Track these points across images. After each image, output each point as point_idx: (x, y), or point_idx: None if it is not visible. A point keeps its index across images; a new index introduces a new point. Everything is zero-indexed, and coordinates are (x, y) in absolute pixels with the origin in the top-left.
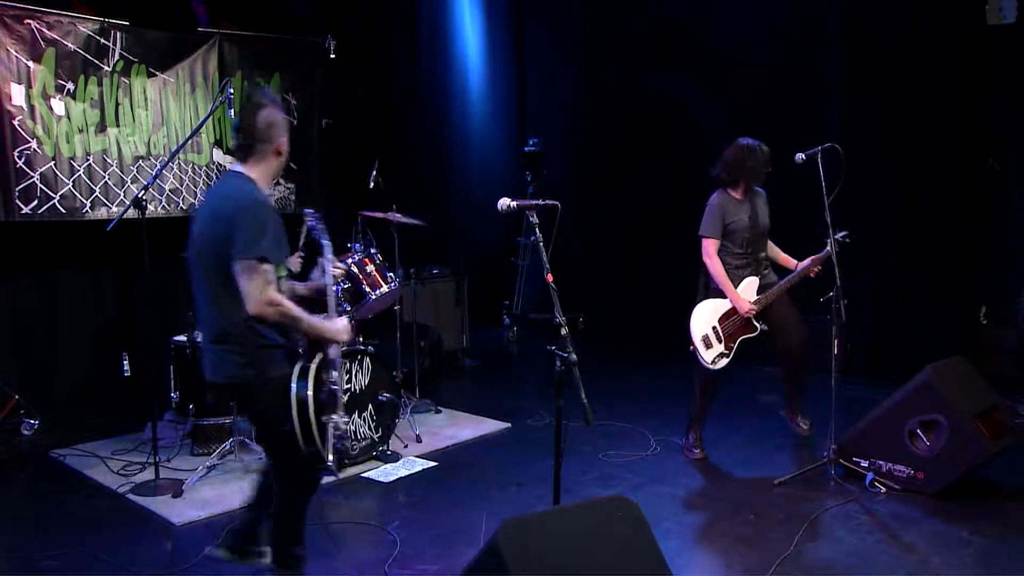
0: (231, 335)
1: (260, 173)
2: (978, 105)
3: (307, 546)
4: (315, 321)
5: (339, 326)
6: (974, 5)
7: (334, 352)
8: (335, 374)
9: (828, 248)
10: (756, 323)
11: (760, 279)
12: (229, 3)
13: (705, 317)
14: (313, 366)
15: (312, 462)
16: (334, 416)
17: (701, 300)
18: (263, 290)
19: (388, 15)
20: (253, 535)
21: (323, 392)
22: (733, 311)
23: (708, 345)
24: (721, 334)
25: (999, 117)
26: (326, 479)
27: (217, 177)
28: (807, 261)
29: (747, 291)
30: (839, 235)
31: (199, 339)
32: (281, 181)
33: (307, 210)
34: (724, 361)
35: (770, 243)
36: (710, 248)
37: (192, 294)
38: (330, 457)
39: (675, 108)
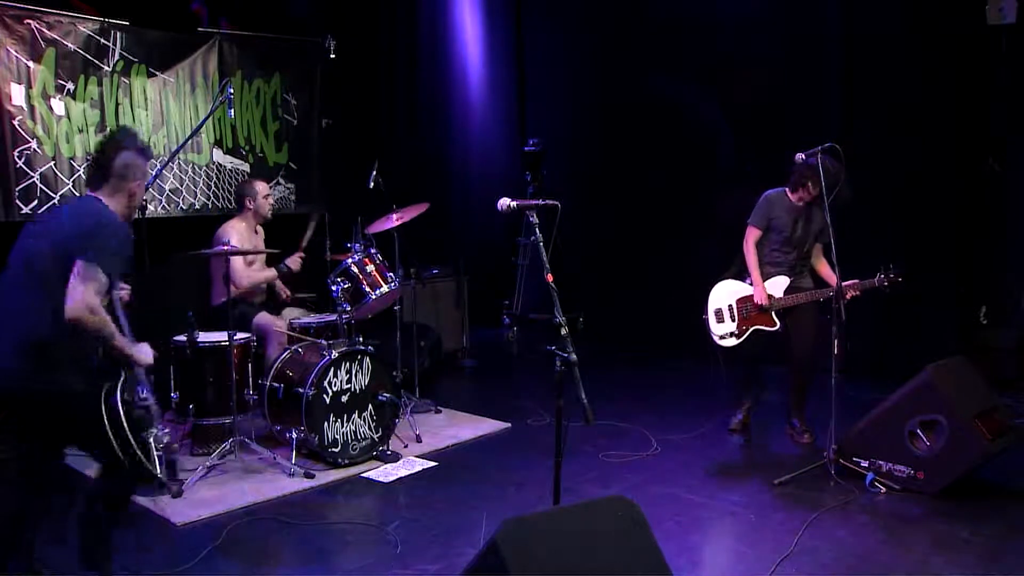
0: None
1: (113, 204)
2: (978, 105)
3: (307, 546)
4: (122, 340)
5: (143, 350)
6: (974, 5)
7: (140, 372)
8: (144, 391)
9: (876, 280)
10: (775, 318)
11: (792, 281)
12: (229, 3)
13: (725, 292)
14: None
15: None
16: (153, 431)
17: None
18: (91, 295)
19: (388, 15)
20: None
21: (137, 409)
22: (751, 296)
23: (720, 319)
24: (736, 314)
25: (999, 117)
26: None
27: (217, 177)
28: (847, 283)
29: (773, 288)
30: (892, 272)
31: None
32: (281, 181)
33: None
34: (732, 341)
35: (821, 257)
36: (749, 235)
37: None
38: (159, 470)
39: (675, 108)
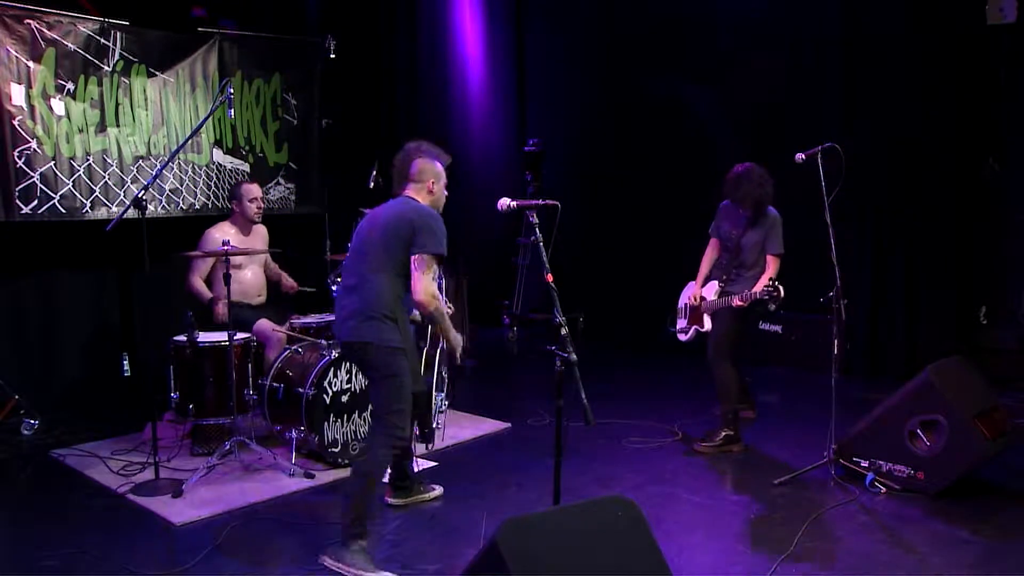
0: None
1: (423, 199)
2: (978, 105)
3: (307, 546)
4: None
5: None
6: (974, 5)
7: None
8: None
9: (759, 290)
10: (707, 320)
11: (724, 287)
12: (229, 3)
13: (686, 293)
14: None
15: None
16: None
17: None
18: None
19: (388, 15)
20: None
21: None
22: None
23: (680, 316)
24: (686, 313)
25: (999, 117)
26: None
27: (217, 177)
28: (734, 298)
29: (707, 291)
30: (765, 293)
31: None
32: (281, 181)
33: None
34: (683, 337)
35: (770, 264)
36: (709, 243)
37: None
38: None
39: (675, 108)
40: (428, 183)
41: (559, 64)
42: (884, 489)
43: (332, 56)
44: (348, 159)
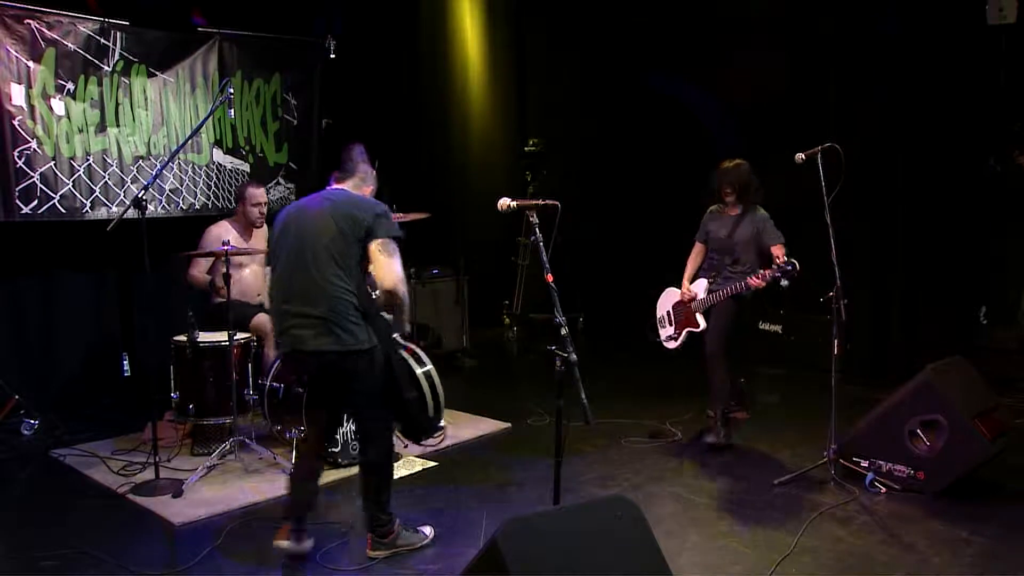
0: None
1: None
2: (978, 105)
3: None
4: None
5: None
6: (974, 5)
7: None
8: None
9: (770, 273)
10: (700, 320)
11: (712, 283)
12: (229, 3)
13: (664, 301)
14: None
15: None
16: None
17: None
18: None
19: (388, 15)
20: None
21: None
22: (682, 301)
23: (662, 325)
24: (672, 318)
25: (999, 117)
26: None
27: (217, 177)
28: (751, 278)
29: (697, 288)
30: (779, 269)
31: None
32: (281, 181)
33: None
34: (672, 344)
35: (779, 254)
36: (693, 248)
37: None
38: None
39: (675, 108)
40: (367, 190)
41: (559, 64)
42: (884, 489)
43: (332, 56)
44: None
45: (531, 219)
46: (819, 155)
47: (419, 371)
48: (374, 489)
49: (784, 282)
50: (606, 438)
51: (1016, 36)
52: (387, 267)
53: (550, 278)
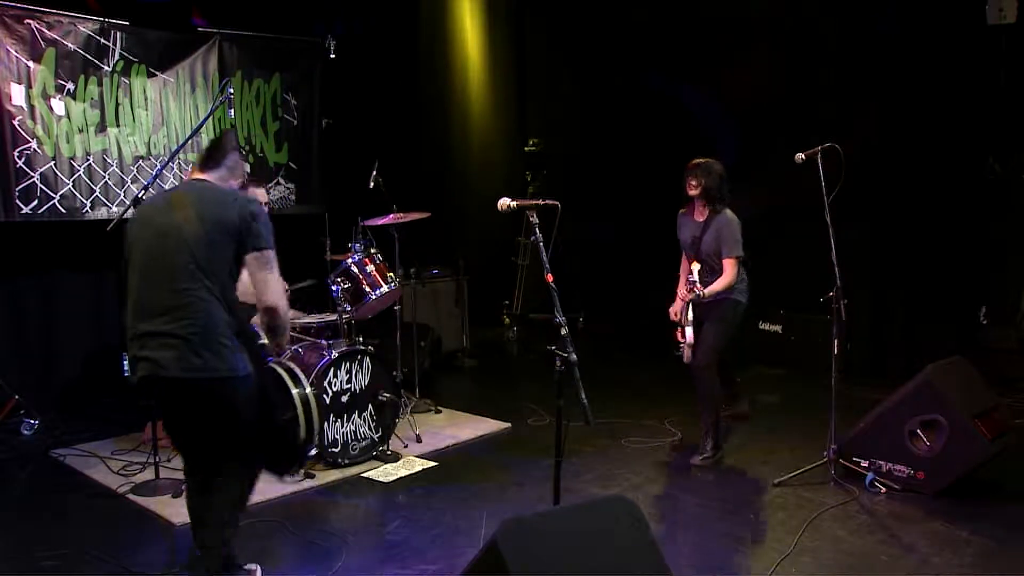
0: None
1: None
2: (978, 105)
3: (307, 546)
4: None
5: None
6: (974, 5)
7: None
8: None
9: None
10: (683, 330)
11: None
12: (229, 3)
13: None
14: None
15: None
16: None
17: None
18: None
19: (388, 15)
20: None
21: None
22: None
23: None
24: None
25: (999, 117)
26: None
27: None
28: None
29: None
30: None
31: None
32: (281, 181)
33: None
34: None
35: (727, 268)
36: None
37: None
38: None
39: (675, 108)
40: (237, 182)
41: (559, 64)
42: (884, 489)
43: (332, 56)
44: (348, 159)
45: (531, 219)
46: (819, 155)
47: (295, 391)
48: (217, 540)
49: (689, 298)
50: (606, 438)
51: (1016, 36)
52: (265, 283)
53: (550, 278)
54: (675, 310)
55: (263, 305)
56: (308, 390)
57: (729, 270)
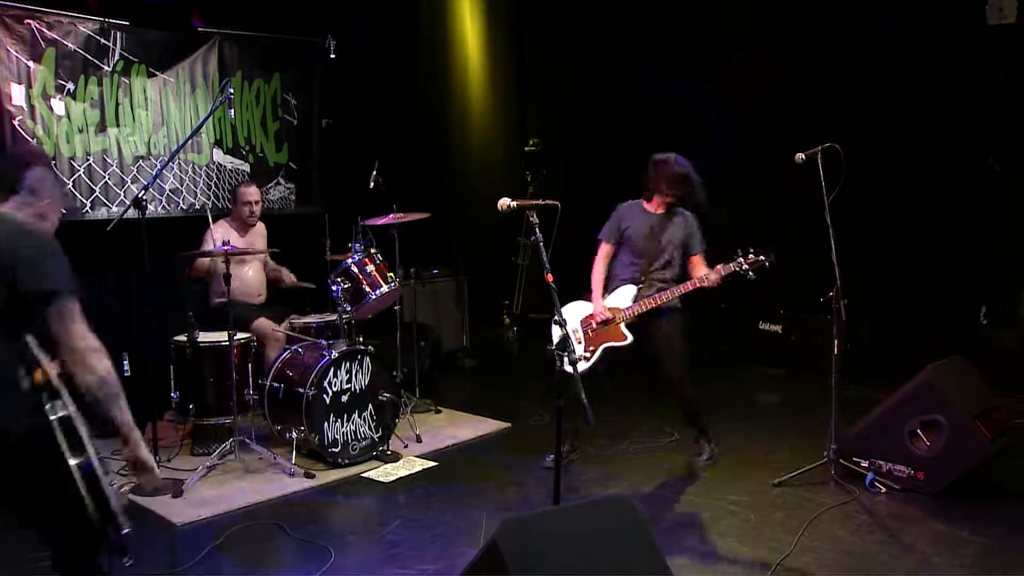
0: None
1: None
2: (978, 105)
3: (307, 546)
4: None
5: None
6: (974, 5)
7: None
8: None
9: (735, 264)
10: (625, 332)
11: (640, 291)
12: (229, 3)
13: (569, 316)
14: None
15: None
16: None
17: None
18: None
19: (388, 15)
20: None
21: None
22: (593, 314)
23: (574, 342)
24: (582, 335)
25: (999, 117)
26: None
27: (217, 177)
28: (706, 273)
29: (619, 299)
30: (753, 253)
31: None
32: (281, 181)
33: None
34: (584, 364)
35: (701, 268)
36: (599, 250)
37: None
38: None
39: (675, 108)
40: (44, 203)
41: (559, 64)
42: (884, 489)
43: (332, 56)
44: (348, 159)
45: (531, 219)
46: (819, 155)
47: (72, 462)
48: None
49: (751, 274)
50: (606, 438)
51: (1016, 36)
52: (78, 335)
53: (550, 278)
54: (599, 311)
55: (82, 365)
56: (93, 459)
57: (702, 264)
